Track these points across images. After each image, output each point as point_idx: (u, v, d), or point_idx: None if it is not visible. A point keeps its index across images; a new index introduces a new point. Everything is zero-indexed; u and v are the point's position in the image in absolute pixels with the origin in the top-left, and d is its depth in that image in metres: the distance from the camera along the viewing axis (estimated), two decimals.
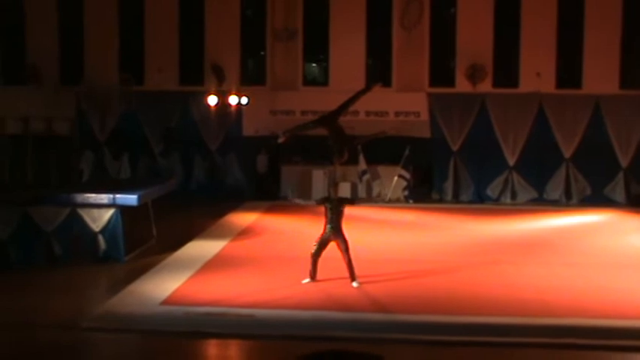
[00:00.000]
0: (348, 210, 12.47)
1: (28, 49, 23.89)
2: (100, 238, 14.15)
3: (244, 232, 17.23)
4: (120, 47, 24.06)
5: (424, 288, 12.10)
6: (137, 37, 23.95)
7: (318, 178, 21.61)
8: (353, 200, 13.82)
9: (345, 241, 12.09)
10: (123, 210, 14.15)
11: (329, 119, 13.08)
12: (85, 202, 14.09)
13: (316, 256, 12.18)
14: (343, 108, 13.23)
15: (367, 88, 13.91)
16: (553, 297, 11.46)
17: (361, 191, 22.83)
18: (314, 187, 22.39)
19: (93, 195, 14.14)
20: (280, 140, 13.44)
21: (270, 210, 20.48)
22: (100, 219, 14.14)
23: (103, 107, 23.66)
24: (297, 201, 14.41)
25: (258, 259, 14.09)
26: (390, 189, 22.50)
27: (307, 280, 12.16)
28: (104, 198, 14.07)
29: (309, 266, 12.24)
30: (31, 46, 23.85)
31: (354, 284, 11.97)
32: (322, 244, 12.19)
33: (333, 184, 12.64)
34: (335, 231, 12.08)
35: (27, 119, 23.26)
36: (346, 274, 12.14)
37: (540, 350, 9.37)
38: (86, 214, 14.11)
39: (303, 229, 16.60)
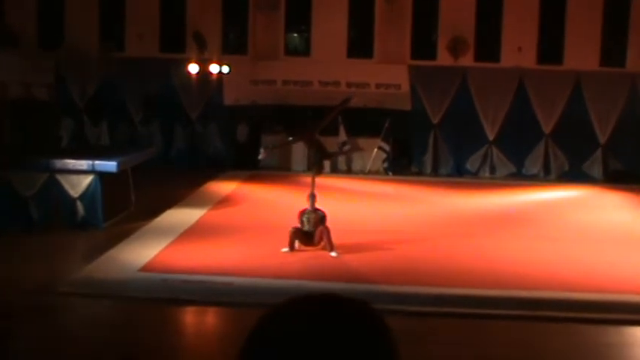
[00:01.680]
0: (326, 180, 12.52)
1: (6, 13, 23.58)
2: (79, 204, 14.09)
3: (224, 201, 17.22)
4: (100, 13, 23.82)
5: (401, 259, 12.16)
6: (118, 3, 23.71)
7: (298, 147, 21.57)
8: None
9: (325, 229, 12.22)
10: (102, 176, 14.09)
11: (308, 135, 13.19)
12: (64, 168, 14.01)
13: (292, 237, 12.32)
14: (322, 123, 13.38)
15: (345, 102, 13.98)
16: (528, 270, 11.54)
17: (341, 163, 22.88)
18: (294, 157, 22.40)
19: (72, 161, 14.06)
20: (261, 156, 13.66)
21: (249, 179, 20.46)
22: (78, 185, 14.07)
23: (83, 73, 23.45)
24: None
25: (237, 228, 14.07)
26: (369, 161, 22.54)
27: (286, 249, 12.21)
28: (83, 164, 13.99)
29: (288, 236, 12.29)
30: (10, 10, 23.54)
31: (333, 254, 12.04)
32: (297, 235, 12.30)
33: (311, 197, 12.58)
34: (312, 230, 12.28)
35: (5, 84, 23.01)
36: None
37: (515, 322, 9.48)
38: (65, 180, 14.04)
39: (283, 198, 16.63)
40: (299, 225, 12.39)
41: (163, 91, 23.37)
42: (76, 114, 23.62)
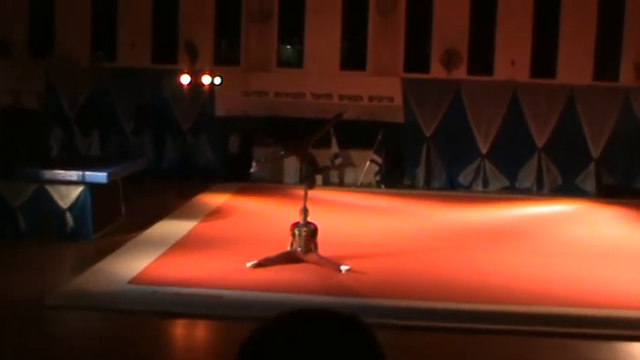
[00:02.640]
0: (318, 193, 12.54)
1: None
2: (68, 215, 14.03)
3: (215, 213, 17.20)
4: (92, 22, 23.78)
5: (394, 272, 12.18)
6: (110, 13, 23.68)
7: (291, 160, 21.54)
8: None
9: (318, 256, 12.27)
10: (92, 187, 14.05)
11: (300, 148, 13.16)
12: (54, 179, 13.96)
13: (276, 261, 12.28)
14: (314, 137, 13.36)
15: (338, 116, 14.03)
16: (521, 284, 11.56)
17: (333, 175, 22.87)
18: (286, 169, 22.37)
19: (62, 171, 14.01)
20: (253, 169, 13.71)
21: (241, 191, 20.44)
22: (68, 196, 14.02)
23: (74, 82, 23.41)
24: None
25: (228, 241, 14.06)
26: (362, 173, 22.55)
27: (252, 263, 12.08)
28: (73, 175, 13.94)
29: (271, 252, 12.33)
30: (0, 18, 23.50)
31: (343, 268, 11.97)
32: (287, 260, 12.27)
33: (304, 211, 12.53)
34: (305, 253, 12.27)
35: None
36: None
37: (507, 337, 9.48)
38: (54, 191, 13.99)
39: (275, 211, 16.62)
40: (291, 238, 12.40)
41: (155, 102, 23.31)
42: (66, 123, 23.53)
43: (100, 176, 14.02)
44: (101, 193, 14.38)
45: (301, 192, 12.87)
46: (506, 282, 11.70)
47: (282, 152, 14.11)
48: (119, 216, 15.78)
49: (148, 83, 23.26)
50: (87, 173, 13.99)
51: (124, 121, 23.53)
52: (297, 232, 12.43)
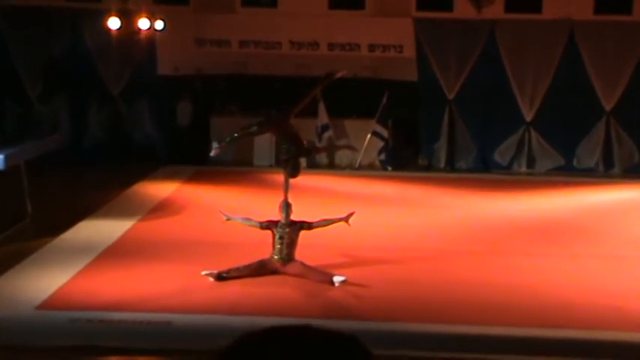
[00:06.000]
0: (301, 178, 12.51)
1: None
2: None
3: (158, 209, 17.19)
4: None
5: (403, 286, 12.18)
6: None
7: (262, 136, 21.54)
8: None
9: (301, 265, 12.34)
10: None
11: (278, 121, 13.20)
12: None
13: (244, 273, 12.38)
14: (297, 106, 13.30)
15: (329, 77, 13.91)
16: (583, 302, 11.57)
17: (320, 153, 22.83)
18: (256, 148, 22.33)
19: None
20: (213, 153, 13.59)
21: (194, 178, 20.42)
22: None
23: None
24: (232, 217, 14.50)
25: (177, 246, 14.05)
26: (360, 151, 22.51)
27: (211, 272, 12.18)
28: None
29: (238, 260, 12.36)
30: None
31: (337, 279, 12.03)
32: (259, 271, 12.38)
33: (285, 206, 12.60)
34: (284, 263, 12.36)
35: None
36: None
37: None
38: None
39: (242, 204, 16.55)
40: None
41: (71, 55, 23.21)
42: None
43: None
44: None
45: (278, 178, 12.85)
46: (562, 298, 11.70)
47: (254, 127, 14.04)
48: (23, 215, 15.73)
49: (61, 29, 23.14)
50: None
51: (27, 83, 23.39)
52: (276, 234, 12.41)
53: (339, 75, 14.00)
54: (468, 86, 23.05)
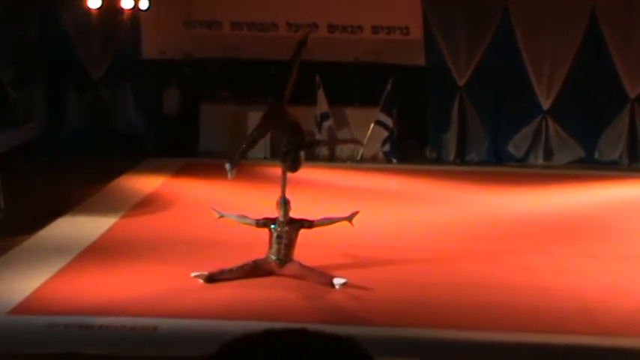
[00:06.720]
0: (300, 171, 12.52)
1: None
2: None
3: (144, 204, 17.19)
4: None
5: (410, 288, 12.21)
6: None
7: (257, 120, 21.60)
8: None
9: (299, 266, 12.36)
10: None
11: (275, 110, 13.22)
12: None
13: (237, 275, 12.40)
14: (285, 85, 13.28)
15: (302, 43, 13.82)
16: (604, 306, 11.57)
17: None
18: None
19: None
20: (230, 175, 13.31)
21: (182, 171, 20.41)
22: None
23: None
24: (226, 215, 14.45)
25: (164, 245, 14.05)
26: (363, 142, 22.51)
27: (201, 273, 12.19)
28: None
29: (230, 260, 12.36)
30: None
31: (337, 281, 12.03)
32: (253, 273, 12.41)
33: (283, 203, 12.61)
34: (281, 264, 12.38)
35: None
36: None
37: None
38: None
39: (234, 199, 16.55)
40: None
41: (48, 37, 23.18)
42: None
43: None
44: None
45: (273, 171, 12.83)
46: (581, 302, 11.70)
47: (256, 132, 13.92)
48: None
49: (37, 8, 23.10)
50: None
51: (0, 67, 23.37)
52: (273, 233, 12.41)
53: (308, 34, 13.98)
54: (479, 71, 23.01)
